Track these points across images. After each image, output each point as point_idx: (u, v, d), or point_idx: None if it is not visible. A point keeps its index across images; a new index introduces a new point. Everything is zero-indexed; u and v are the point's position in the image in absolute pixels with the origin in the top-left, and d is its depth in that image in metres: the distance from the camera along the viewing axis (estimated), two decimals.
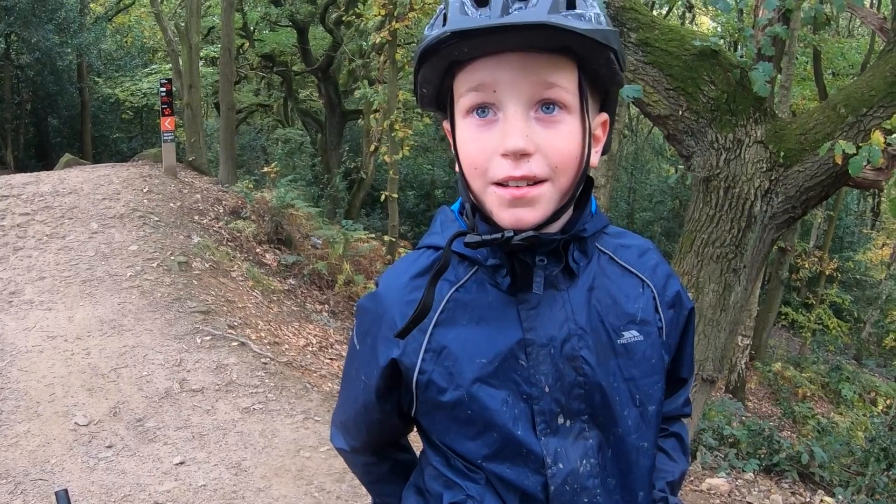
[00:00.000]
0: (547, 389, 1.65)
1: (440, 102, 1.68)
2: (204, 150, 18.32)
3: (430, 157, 28.21)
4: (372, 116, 16.32)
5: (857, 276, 29.19)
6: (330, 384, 8.72)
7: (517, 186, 1.51)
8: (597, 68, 1.53)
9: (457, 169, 1.66)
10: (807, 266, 23.31)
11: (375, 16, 15.75)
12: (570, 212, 1.67)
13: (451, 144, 1.67)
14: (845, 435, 13.83)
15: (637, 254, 1.86)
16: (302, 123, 30.09)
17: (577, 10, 1.45)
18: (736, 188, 5.75)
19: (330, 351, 10.45)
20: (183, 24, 18.34)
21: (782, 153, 5.70)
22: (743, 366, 16.72)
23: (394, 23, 14.28)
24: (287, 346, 9.71)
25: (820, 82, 20.76)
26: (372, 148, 17.01)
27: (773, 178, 5.74)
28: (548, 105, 1.51)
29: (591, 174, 1.69)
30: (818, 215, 23.24)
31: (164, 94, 14.77)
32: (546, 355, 1.64)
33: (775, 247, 7.59)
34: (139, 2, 30.27)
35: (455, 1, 1.48)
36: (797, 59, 17.99)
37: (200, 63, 19.73)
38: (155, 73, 23.88)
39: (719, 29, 20.94)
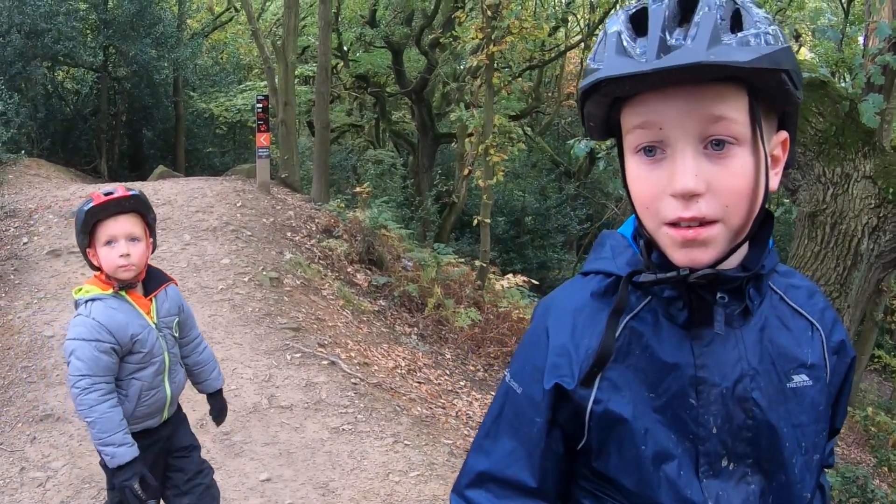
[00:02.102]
0: (714, 430, 1.58)
1: (609, 133, 1.62)
2: (297, 168, 18.44)
3: (521, 183, 28.17)
4: (467, 140, 16.33)
5: None
6: (419, 408, 8.62)
7: (689, 227, 1.45)
8: (768, 92, 1.45)
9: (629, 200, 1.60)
10: None
11: (472, 39, 15.73)
12: (746, 247, 1.58)
13: (622, 176, 1.59)
14: None
15: (807, 295, 1.78)
16: (394, 145, 30.38)
17: (742, 33, 1.38)
18: (843, 224, 5.60)
19: (418, 374, 10.35)
20: (280, 43, 18.50)
21: (891, 189, 5.55)
22: None
23: (491, 46, 14.21)
24: (376, 368, 9.63)
25: None
26: (466, 171, 16.97)
27: (881, 214, 5.59)
28: (717, 141, 1.43)
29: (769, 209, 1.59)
30: None
31: (259, 110, 14.88)
32: (717, 395, 1.57)
33: None
34: (236, 19, 30.77)
35: (613, 34, 1.46)
36: None
37: (295, 81, 19.88)
38: (249, 89, 24.23)
39: (817, 60, 20.65)
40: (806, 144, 5.66)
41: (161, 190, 13.84)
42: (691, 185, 1.41)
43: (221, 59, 30.62)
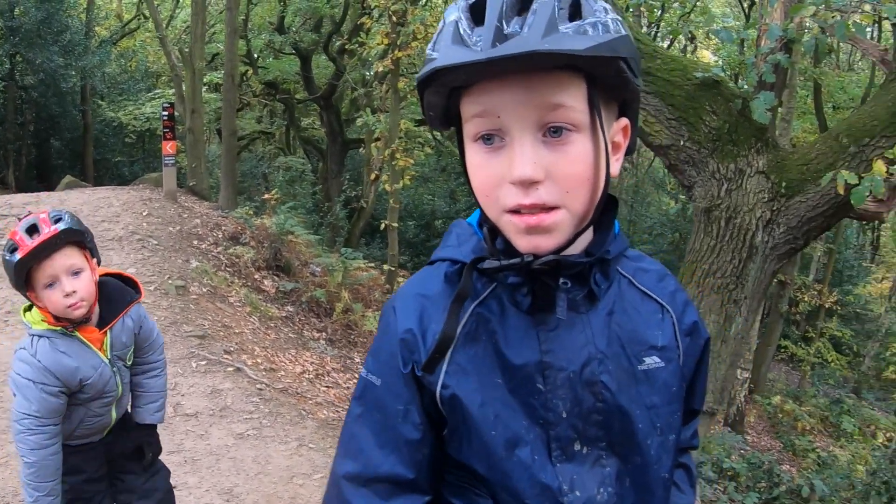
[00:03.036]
0: (564, 415, 1.58)
1: (449, 123, 1.61)
2: (205, 176, 18.36)
3: (430, 187, 28.26)
4: (374, 145, 16.37)
5: (857, 310, 29.20)
6: (325, 412, 8.65)
7: (531, 214, 1.45)
8: (606, 80, 1.45)
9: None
10: (806, 299, 23.32)
11: (378, 45, 15.82)
12: (591, 233, 1.62)
13: (462, 165, 1.58)
14: (846, 468, 13.77)
15: (656, 278, 1.81)
16: (303, 151, 30.25)
17: (580, 22, 1.37)
18: (737, 218, 5.72)
19: (326, 379, 10.39)
20: (187, 50, 18.40)
21: (784, 183, 5.68)
22: (742, 399, 16.67)
23: (397, 52, 14.32)
24: (283, 373, 9.65)
25: (820, 115, 20.90)
26: (373, 177, 17.04)
27: (774, 208, 5.71)
28: (555, 129, 1.43)
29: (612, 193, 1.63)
30: (818, 248, 23.28)
31: (165, 118, 14.78)
32: (565, 379, 1.58)
33: (774, 280, 7.51)
34: (144, 26, 30.46)
35: (450, 24, 1.44)
36: (798, 92, 18.06)
37: (203, 89, 19.78)
38: (158, 97, 24.00)
39: (720, 62, 21.03)
40: (700, 142, 5.77)
41: (67, 200, 13.66)
42: (529, 173, 1.41)
43: (130, 66, 30.17)
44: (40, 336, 3.46)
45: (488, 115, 1.45)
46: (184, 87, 18.33)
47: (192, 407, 7.77)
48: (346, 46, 21.06)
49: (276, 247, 13.49)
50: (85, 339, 3.50)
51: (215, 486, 6.45)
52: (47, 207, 3.51)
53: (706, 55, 27.56)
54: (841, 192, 4.95)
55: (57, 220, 3.35)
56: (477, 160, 1.50)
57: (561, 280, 1.56)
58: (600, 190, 1.50)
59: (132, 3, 32.09)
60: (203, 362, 8.81)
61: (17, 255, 3.27)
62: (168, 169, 14.84)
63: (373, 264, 16.24)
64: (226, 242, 13.55)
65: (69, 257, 3.36)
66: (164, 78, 30.22)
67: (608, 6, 1.45)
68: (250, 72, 27.00)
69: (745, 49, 17.68)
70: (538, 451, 1.58)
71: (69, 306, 3.35)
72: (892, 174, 4.97)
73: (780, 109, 14.96)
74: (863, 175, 4.89)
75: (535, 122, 1.42)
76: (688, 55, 25.30)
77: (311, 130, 29.67)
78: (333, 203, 22.82)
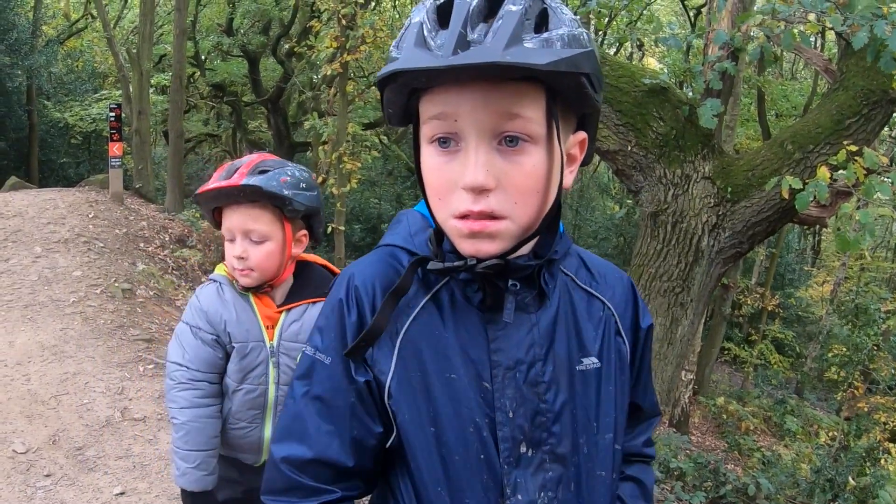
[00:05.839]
0: (511, 415, 1.58)
1: (407, 121, 1.58)
2: (151, 178, 18.18)
3: (377, 191, 28.18)
4: (321, 148, 16.29)
5: (799, 313, 29.58)
6: None
7: (476, 220, 1.45)
8: (567, 94, 1.44)
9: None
10: (749, 302, 23.61)
11: (327, 48, 15.73)
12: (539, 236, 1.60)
13: (416, 164, 1.56)
14: (790, 467, 13.89)
15: (599, 276, 1.82)
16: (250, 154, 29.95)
17: (546, 34, 1.37)
18: (683, 223, 5.79)
19: None
20: (135, 50, 18.24)
21: (729, 189, 5.75)
22: (686, 400, 16.80)
23: (345, 55, 14.28)
24: None
25: (763, 123, 21.17)
26: (320, 180, 16.96)
27: (720, 213, 5.79)
28: (511, 138, 1.42)
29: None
30: (760, 253, 23.56)
31: (112, 119, 14.62)
32: (511, 379, 1.58)
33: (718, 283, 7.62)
34: (91, 26, 30.10)
35: (415, 25, 1.42)
36: (741, 100, 18.29)
37: (151, 90, 19.61)
38: (105, 98, 23.71)
39: (666, 70, 21.21)
40: (647, 147, 5.84)
41: (12, 202, 13.48)
42: (481, 180, 1.40)
43: (77, 67, 29.77)
44: (213, 280, 3.12)
45: (446, 118, 1.44)
46: (131, 89, 18.16)
47: (139, 411, 7.68)
48: (295, 49, 21.01)
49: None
50: (255, 305, 3.06)
51: (165, 492, 6.37)
52: (266, 154, 3.08)
53: (652, 63, 27.74)
54: (786, 196, 5.03)
55: (257, 172, 2.90)
56: (432, 162, 1.50)
57: (510, 282, 1.56)
58: (549, 202, 1.51)
59: (80, 3, 31.64)
60: (150, 366, 8.71)
61: (199, 189, 2.95)
62: (114, 171, 14.70)
63: None
64: (172, 245, 13.43)
65: (252, 220, 2.92)
66: (111, 79, 29.84)
67: (577, 19, 1.45)
68: (198, 74, 26.81)
69: (690, 57, 17.83)
70: (486, 453, 1.57)
71: (235, 269, 2.97)
72: (835, 180, 5.06)
73: (724, 117, 15.15)
74: (807, 181, 4.96)
75: (491, 129, 1.41)
76: (634, 62, 25.47)
77: (258, 133, 29.51)
78: None
